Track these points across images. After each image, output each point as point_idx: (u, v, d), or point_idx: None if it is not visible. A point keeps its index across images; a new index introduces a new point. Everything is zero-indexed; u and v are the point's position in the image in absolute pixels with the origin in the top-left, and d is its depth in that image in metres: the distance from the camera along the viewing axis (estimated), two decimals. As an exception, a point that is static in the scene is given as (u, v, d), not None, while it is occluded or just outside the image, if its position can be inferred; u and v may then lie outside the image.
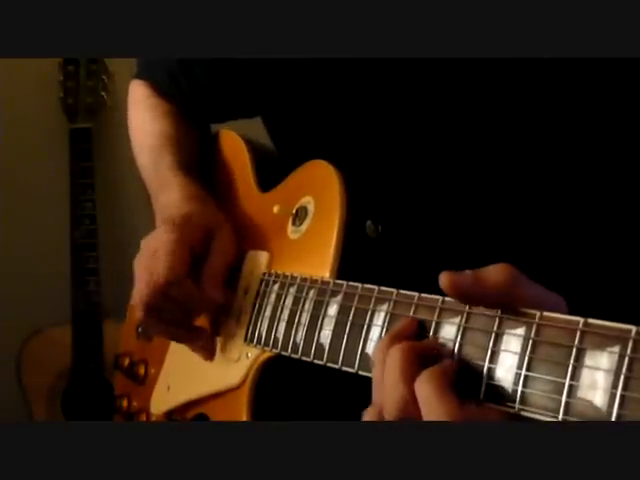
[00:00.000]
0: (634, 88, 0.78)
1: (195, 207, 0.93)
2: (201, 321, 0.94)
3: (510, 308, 0.58)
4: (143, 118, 1.10)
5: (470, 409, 0.57)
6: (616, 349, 0.51)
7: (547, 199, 0.81)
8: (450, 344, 0.62)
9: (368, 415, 0.63)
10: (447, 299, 0.63)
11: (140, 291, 0.88)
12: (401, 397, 0.59)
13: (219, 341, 0.92)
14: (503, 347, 0.58)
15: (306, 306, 0.79)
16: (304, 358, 0.77)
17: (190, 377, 0.96)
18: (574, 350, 0.53)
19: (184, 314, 0.91)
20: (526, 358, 0.56)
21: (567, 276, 0.80)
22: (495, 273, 0.58)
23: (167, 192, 0.97)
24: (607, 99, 0.78)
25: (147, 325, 0.92)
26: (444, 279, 0.59)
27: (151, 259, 0.88)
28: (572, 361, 0.53)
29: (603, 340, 0.52)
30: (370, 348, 0.69)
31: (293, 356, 0.79)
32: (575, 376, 0.53)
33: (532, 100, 0.80)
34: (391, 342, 0.62)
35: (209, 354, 0.93)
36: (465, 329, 0.61)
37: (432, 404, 0.57)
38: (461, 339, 0.61)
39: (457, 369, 0.59)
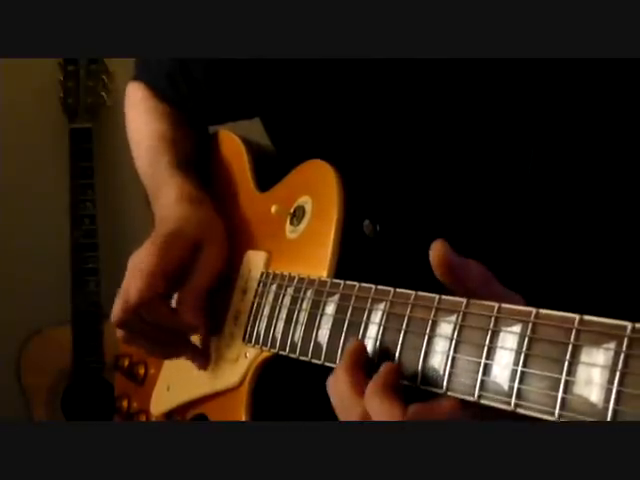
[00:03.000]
0: (632, 90, 0.78)
1: (190, 211, 0.93)
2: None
3: (505, 306, 0.59)
4: (140, 120, 1.10)
5: (440, 406, 0.60)
6: (612, 345, 0.51)
7: (545, 200, 0.81)
8: (447, 342, 0.62)
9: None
10: (444, 297, 0.64)
11: (115, 308, 0.89)
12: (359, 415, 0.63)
13: (218, 341, 0.92)
14: (499, 344, 0.58)
15: (304, 305, 0.79)
16: (302, 357, 0.77)
17: (189, 377, 0.96)
18: (570, 347, 0.53)
19: (159, 333, 0.92)
20: (522, 355, 0.56)
21: (564, 274, 0.80)
22: (476, 265, 0.63)
23: (164, 192, 0.97)
24: (606, 99, 0.78)
25: (125, 341, 0.93)
26: (436, 247, 0.64)
27: (131, 277, 0.89)
28: (568, 357, 0.53)
29: (599, 337, 0.52)
30: (368, 347, 0.69)
31: (291, 355, 0.79)
32: (571, 372, 0.53)
33: (531, 102, 0.80)
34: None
35: (202, 364, 0.93)
36: (461, 327, 0.61)
37: (378, 415, 0.61)
38: (457, 337, 0.61)
39: (398, 370, 0.63)
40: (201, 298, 0.90)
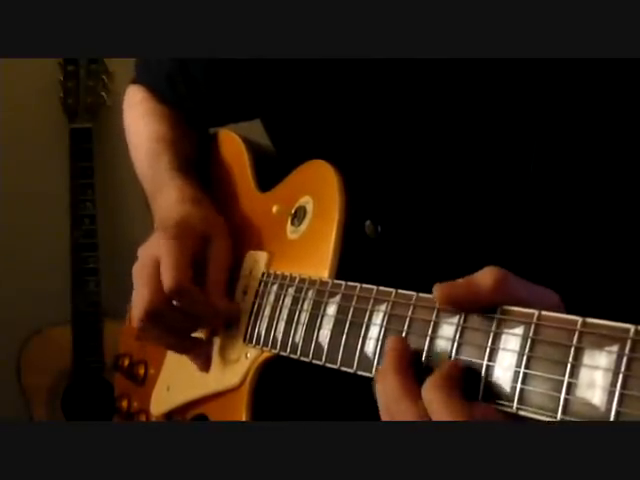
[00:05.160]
0: (633, 89, 0.78)
1: (191, 210, 0.93)
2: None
3: (507, 308, 0.58)
4: (140, 122, 1.10)
5: (478, 410, 0.57)
6: (615, 348, 0.51)
7: (547, 200, 0.81)
8: (448, 344, 0.62)
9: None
10: None
11: (143, 299, 0.86)
12: (406, 410, 0.60)
13: (218, 341, 0.92)
14: (502, 346, 0.58)
15: (305, 306, 0.79)
16: (303, 358, 0.77)
17: (190, 378, 0.96)
18: (572, 349, 0.53)
19: (188, 322, 0.90)
20: (525, 357, 0.56)
21: (566, 275, 0.80)
22: (486, 277, 0.60)
23: (165, 194, 0.97)
24: (607, 99, 0.78)
25: (147, 333, 0.90)
26: (438, 292, 0.61)
27: (153, 267, 0.86)
28: (571, 360, 0.53)
29: (601, 339, 0.52)
30: (369, 347, 0.69)
31: (292, 356, 0.79)
32: (574, 375, 0.53)
33: (533, 102, 0.80)
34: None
35: (204, 365, 0.92)
36: (464, 329, 0.61)
37: (440, 412, 0.58)
38: (460, 338, 0.61)
39: (462, 370, 0.60)
40: (226, 285, 0.90)
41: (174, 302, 0.87)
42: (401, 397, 0.60)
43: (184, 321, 0.90)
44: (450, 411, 0.57)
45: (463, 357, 0.61)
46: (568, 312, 0.55)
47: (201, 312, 0.89)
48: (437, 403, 0.58)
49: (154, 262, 0.87)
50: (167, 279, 0.85)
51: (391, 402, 0.61)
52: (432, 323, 0.63)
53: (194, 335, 0.93)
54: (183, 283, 0.85)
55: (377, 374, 0.64)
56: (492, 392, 0.58)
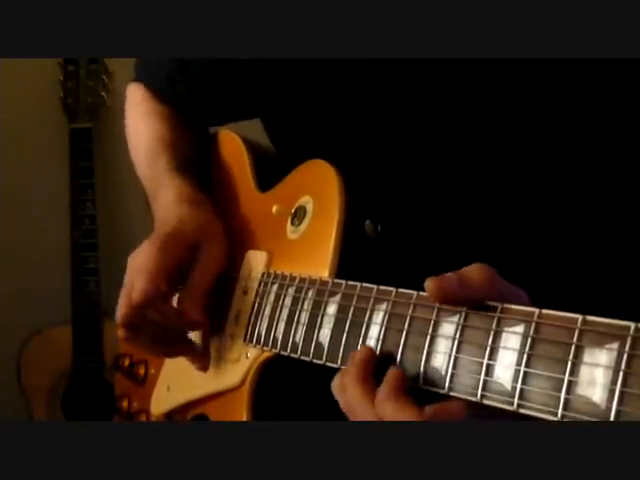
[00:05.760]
0: (633, 90, 0.78)
1: (189, 212, 0.93)
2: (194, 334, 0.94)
3: (508, 306, 0.59)
4: (139, 122, 1.10)
5: (429, 413, 0.59)
6: (615, 346, 0.51)
7: (546, 200, 0.81)
8: (449, 342, 0.62)
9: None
10: None
11: (120, 309, 0.90)
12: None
13: (219, 341, 0.92)
14: (502, 344, 0.58)
15: (305, 306, 0.79)
16: (303, 358, 0.77)
17: (190, 377, 0.96)
18: (573, 347, 0.53)
19: (164, 332, 0.92)
20: (525, 355, 0.56)
21: (565, 274, 0.80)
22: (475, 272, 0.61)
23: (163, 194, 0.97)
24: (607, 100, 0.78)
25: (131, 342, 0.93)
26: (430, 285, 0.62)
27: (134, 277, 0.89)
28: (571, 358, 0.53)
29: (602, 337, 0.52)
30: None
31: (292, 355, 0.79)
32: (574, 373, 0.53)
33: (532, 103, 0.80)
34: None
35: (202, 365, 0.93)
36: (464, 327, 0.61)
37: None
38: (460, 337, 0.61)
39: (403, 375, 0.63)
40: (202, 296, 0.90)
41: (146, 314, 0.89)
42: (362, 404, 0.64)
43: (159, 330, 0.92)
44: (401, 419, 0.60)
45: (463, 355, 0.61)
46: (567, 311, 0.55)
47: (172, 324, 0.91)
48: (389, 414, 0.61)
49: (135, 272, 0.89)
50: (135, 292, 0.88)
51: (352, 409, 0.65)
52: (432, 322, 0.64)
53: (181, 340, 0.94)
54: (149, 296, 0.87)
55: (339, 383, 0.67)
56: (493, 391, 0.58)
